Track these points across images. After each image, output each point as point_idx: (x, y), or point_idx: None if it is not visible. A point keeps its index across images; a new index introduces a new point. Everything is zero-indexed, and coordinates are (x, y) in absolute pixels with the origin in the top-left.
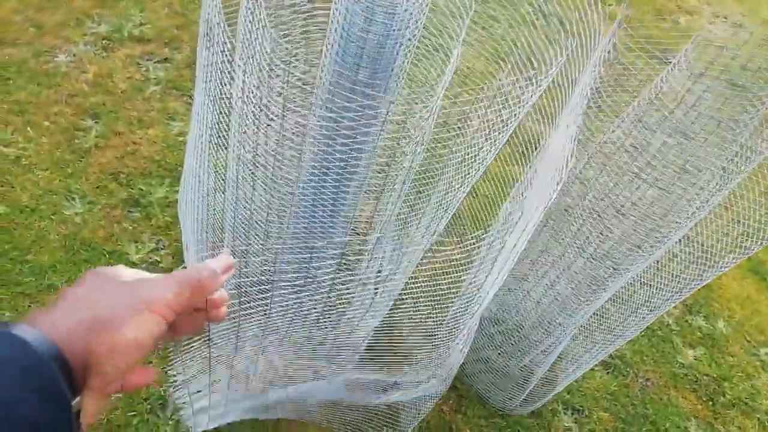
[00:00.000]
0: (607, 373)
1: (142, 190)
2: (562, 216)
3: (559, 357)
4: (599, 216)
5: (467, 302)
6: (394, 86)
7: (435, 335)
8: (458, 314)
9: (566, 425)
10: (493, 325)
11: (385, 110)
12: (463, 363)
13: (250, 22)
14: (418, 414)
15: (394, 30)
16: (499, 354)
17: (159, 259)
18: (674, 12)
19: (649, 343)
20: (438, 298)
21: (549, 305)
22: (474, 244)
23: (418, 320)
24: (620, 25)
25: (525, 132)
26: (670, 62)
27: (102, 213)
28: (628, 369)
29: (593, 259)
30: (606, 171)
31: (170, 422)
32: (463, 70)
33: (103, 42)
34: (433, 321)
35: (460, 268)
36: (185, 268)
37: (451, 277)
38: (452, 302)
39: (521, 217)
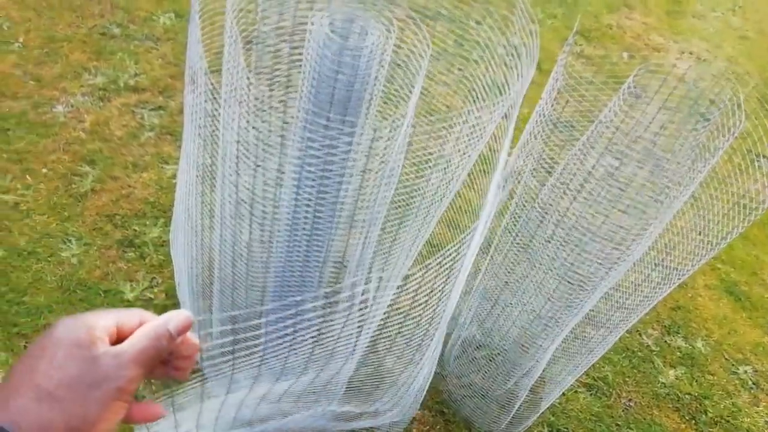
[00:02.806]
0: (591, 395)
1: (136, 230)
2: (539, 244)
3: (542, 379)
4: (569, 239)
5: (433, 318)
6: (365, 121)
7: (404, 357)
8: (425, 331)
9: None
10: (477, 350)
11: (357, 142)
12: (449, 388)
13: (234, 69)
14: None
15: (361, 70)
16: (483, 378)
17: (153, 297)
18: (641, 50)
19: (630, 365)
20: (404, 319)
21: (528, 328)
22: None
23: (389, 346)
24: (567, 49)
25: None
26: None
27: (98, 254)
28: (610, 390)
29: (566, 280)
30: (567, 195)
31: None
32: (441, 108)
33: (100, 92)
34: (404, 341)
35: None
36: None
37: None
38: (417, 321)
39: (475, 232)
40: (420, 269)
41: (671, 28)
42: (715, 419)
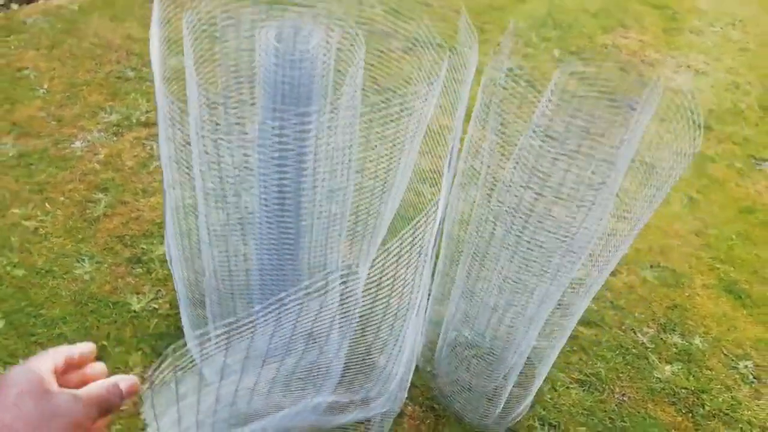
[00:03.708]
0: (583, 390)
1: (144, 249)
2: (503, 239)
3: (529, 369)
4: (524, 233)
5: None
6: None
7: (378, 340)
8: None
9: None
10: (467, 350)
11: (313, 131)
12: (439, 386)
13: (192, 88)
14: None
15: (305, 72)
16: (473, 375)
17: (157, 307)
18: (637, 66)
19: (624, 361)
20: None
21: (507, 322)
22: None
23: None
24: (503, 58)
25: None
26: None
27: (108, 270)
28: (603, 386)
29: (529, 271)
30: (523, 189)
31: None
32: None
33: (114, 128)
34: (386, 328)
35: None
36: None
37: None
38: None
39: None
40: (396, 240)
41: (668, 44)
42: (714, 412)
